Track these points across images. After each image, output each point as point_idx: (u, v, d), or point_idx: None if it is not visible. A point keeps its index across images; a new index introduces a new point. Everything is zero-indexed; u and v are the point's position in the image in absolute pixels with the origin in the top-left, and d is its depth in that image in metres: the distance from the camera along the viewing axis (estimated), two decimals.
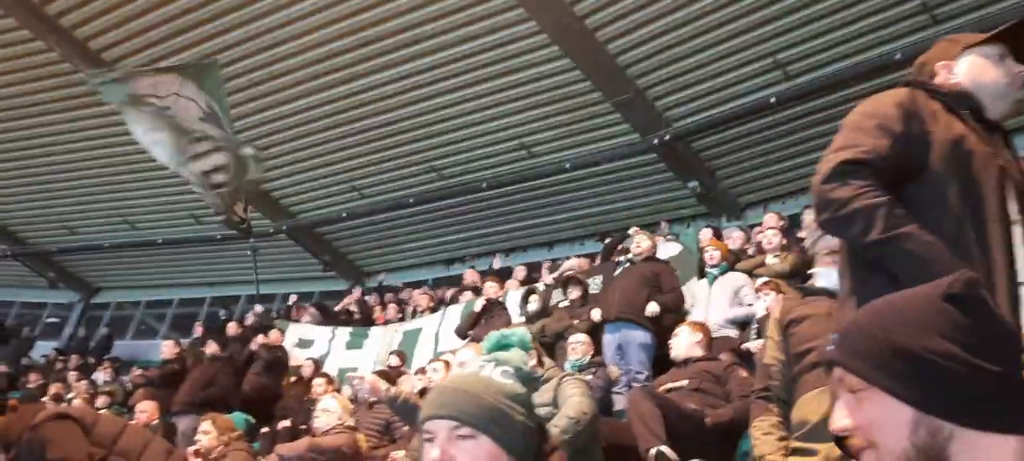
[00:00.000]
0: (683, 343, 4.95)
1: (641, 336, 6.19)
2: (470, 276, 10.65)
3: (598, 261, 8.79)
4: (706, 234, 8.32)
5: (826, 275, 2.57)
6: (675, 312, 6.36)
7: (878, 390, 1.01)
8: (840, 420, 1.06)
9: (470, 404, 1.45)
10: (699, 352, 4.83)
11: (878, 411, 1.02)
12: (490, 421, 1.45)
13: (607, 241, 9.07)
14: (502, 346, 1.63)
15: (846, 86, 9.49)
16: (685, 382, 4.65)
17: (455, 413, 1.45)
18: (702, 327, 5.12)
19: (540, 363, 4.42)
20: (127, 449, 4.06)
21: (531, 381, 1.59)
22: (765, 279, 5.92)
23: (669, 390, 4.59)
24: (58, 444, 3.80)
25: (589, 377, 5.21)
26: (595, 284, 7.74)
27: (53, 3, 10.80)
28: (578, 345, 5.74)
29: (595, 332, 6.71)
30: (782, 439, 2.38)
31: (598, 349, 6.33)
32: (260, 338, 9.69)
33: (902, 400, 0.99)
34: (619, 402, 5.98)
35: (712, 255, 6.66)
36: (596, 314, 6.58)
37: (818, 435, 2.22)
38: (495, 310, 7.72)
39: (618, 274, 6.85)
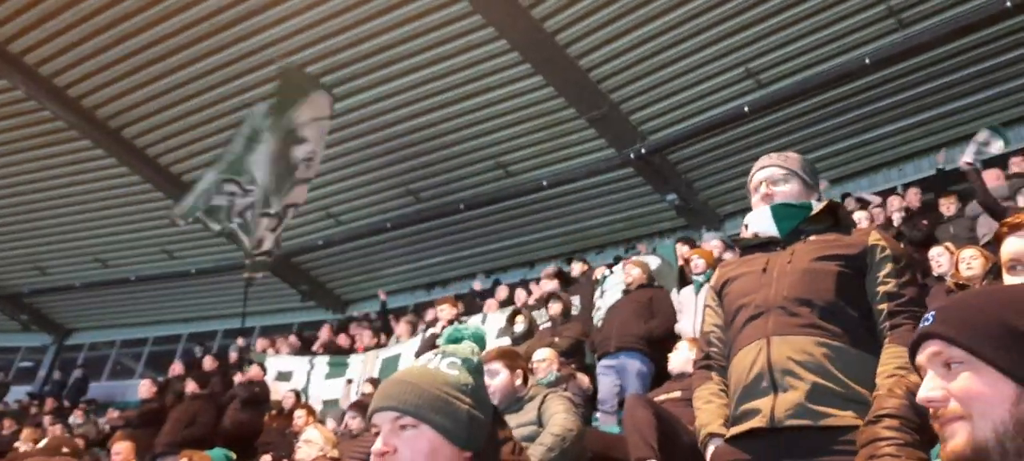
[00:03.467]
0: (680, 358, 4.94)
1: (639, 363, 6.16)
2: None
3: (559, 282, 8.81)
4: (682, 247, 8.26)
5: (756, 217, 2.42)
6: (666, 336, 6.33)
7: (982, 364, 1.09)
8: (931, 390, 1.14)
9: (411, 394, 1.46)
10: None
11: (979, 384, 1.09)
12: (431, 410, 1.44)
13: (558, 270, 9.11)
14: (455, 340, 1.64)
15: (817, 92, 9.59)
16: (678, 393, 4.60)
17: (396, 404, 1.45)
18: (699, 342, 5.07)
19: (525, 382, 4.33)
20: None
21: (480, 371, 1.59)
22: None
23: (662, 401, 4.53)
24: None
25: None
26: (574, 305, 7.67)
27: (16, 40, 10.63)
28: (541, 363, 5.55)
29: (576, 351, 6.63)
30: (724, 405, 2.27)
31: (581, 364, 6.26)
32: (240, 374, 9.52)
33: (1007, 375, 1.07)
34: (605, 421, 5.93)
35: (697, 263, 6.63)
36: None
37: (754, 392, 2.11)
38: None
39: (614, 304, 6.81)
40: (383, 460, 1.43)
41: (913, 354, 1.24)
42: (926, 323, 1.19)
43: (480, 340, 1.67)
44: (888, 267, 2.15)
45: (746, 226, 2.51)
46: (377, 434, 1.47)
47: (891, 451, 1.62)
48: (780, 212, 2.34)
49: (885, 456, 1.61)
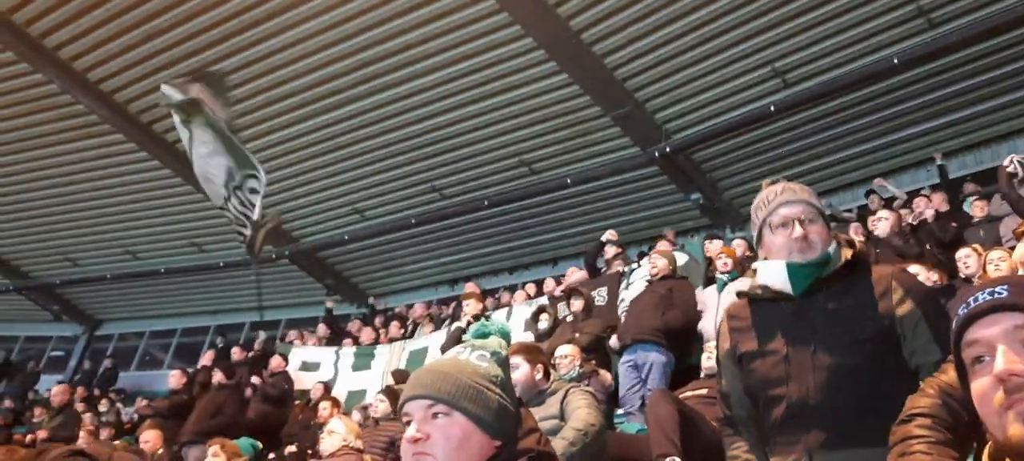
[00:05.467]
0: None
1: (656, 355, 6.12)
2: (471, 286, 10.62)
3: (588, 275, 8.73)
4: (714, 244, 8.29)
5: (769, 270, 2.22)
6: (684, 328, 6.30)
7: None
8: (1014, 363, 1.11)
9: (445, 383, 1.51)
10: None
11: None
12: (463, 398, 1.50)
13: (586, 258, 9.01)
14: (482, 335, 1.71)
15: (844, 92, 9.50)
16: (705, 391, 4.59)
17: (429, 392, 1.51)
18: None
19: (546, 377, 4.36)
20: None
21: (507, 365, 1.65)
22: None
23: (687, 398, 4.53)
24: None
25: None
26: (600, 296, 7.67)
27: (51, 35, 10.83)
28: (564, 359, 5.52)
29: (598, 346, 6.64)
30: None
31: (603, 361, 6.27)
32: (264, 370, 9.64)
33: None
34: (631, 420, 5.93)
35: (725, 262, 6.63)
36: (613, 342, 6.51)
37: None
38: None
39: (636, 297, 6.80)
40: (416, 447, 1.47)
41: (965, 327, 1.18)
42: (1000, 296, 1.15)
43: (506, 336, 1.73)
44: (926, 333, 2.02)
45: (754, 271, 2.35)
46: (408, 423, 1.51)
47: (922, 449, 1.59)
48: (796, 271, 2.14)
49: (916, 454, 1.59)
